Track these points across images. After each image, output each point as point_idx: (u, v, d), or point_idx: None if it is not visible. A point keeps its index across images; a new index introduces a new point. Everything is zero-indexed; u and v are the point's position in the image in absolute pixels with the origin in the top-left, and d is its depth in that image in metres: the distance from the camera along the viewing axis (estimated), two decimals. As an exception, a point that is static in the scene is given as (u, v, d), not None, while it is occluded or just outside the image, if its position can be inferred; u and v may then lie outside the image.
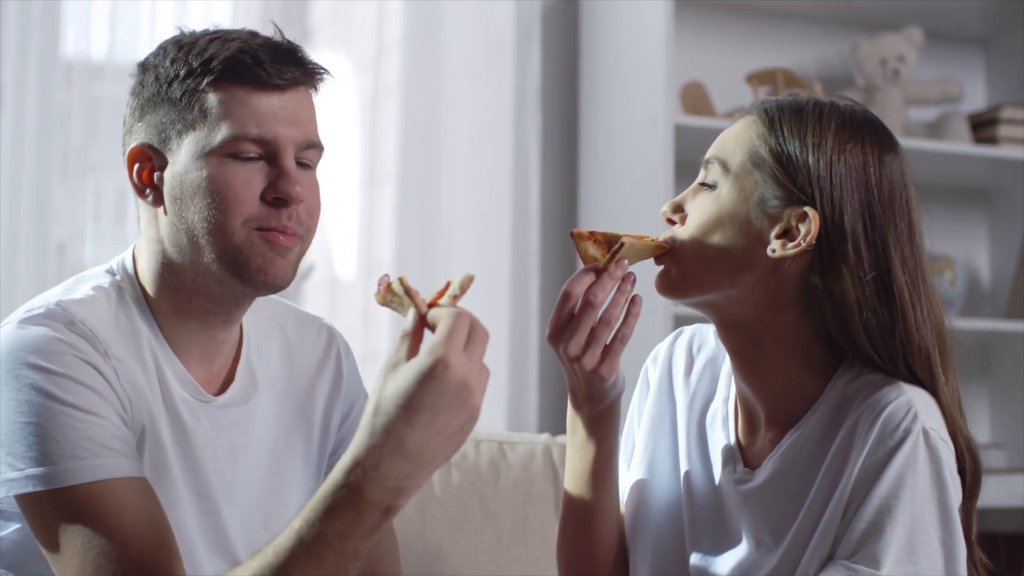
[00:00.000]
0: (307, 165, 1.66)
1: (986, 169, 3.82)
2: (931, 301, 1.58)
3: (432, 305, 1.38)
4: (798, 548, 1.54)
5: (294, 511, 1.45)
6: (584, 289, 1.58)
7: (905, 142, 3.57)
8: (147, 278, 1.67)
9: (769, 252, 1.56)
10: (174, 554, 1.52)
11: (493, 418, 3.34)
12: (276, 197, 1.61)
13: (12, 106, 3.08)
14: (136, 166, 1.65)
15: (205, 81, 1.60)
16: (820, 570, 1.51)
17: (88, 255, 3.20)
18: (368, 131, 3.55)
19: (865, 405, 1.52)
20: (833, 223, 1.54)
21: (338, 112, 3.50)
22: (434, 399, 1.32)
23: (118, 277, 1.68)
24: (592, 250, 1.61)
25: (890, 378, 1.54)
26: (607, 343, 1.60)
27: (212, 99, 1.60)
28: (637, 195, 3.31)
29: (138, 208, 1.69)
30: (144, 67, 1.67)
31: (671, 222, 1.65)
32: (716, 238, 1.59)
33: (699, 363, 1.76)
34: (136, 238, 1.72)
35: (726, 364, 1.71)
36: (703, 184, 1.63)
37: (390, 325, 3.40)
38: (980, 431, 3.87)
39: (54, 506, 1.50)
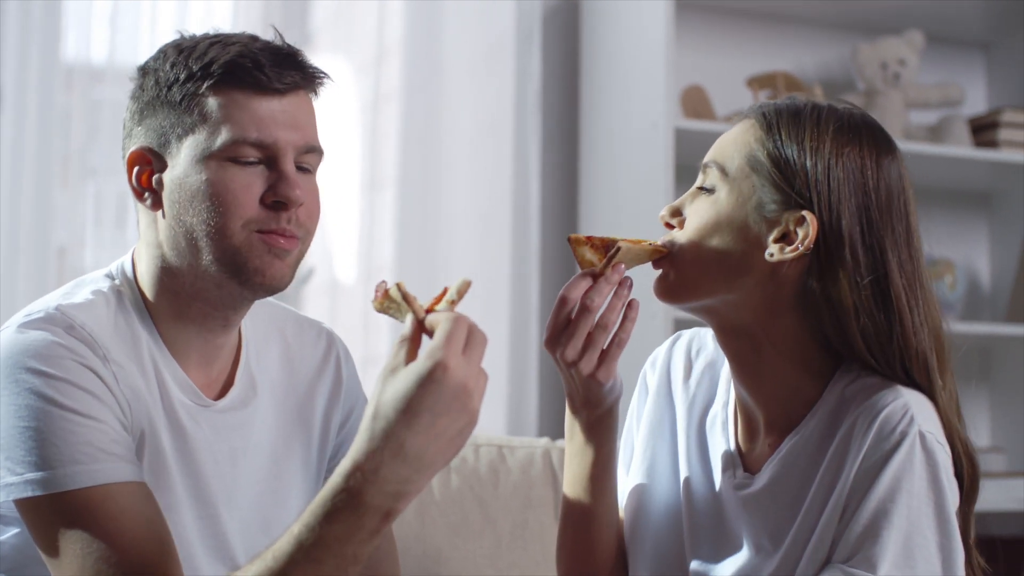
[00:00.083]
0: (307, 169, 1.66)
1: (986, 173, 3.82)
2: (928, 305, 1.57)
3: (430, 310, 1.38)
4: (796, 552, 1.54)
5: (293, 515, 1.45)
6: (581, 294, 1.58)
7: (906, 146, 3.58)
8: (146, 282, 1.67)
9: (767, 256, 1.56)
10: (173, 559, 1.52)
11: (493, 422, 3.34)
12: (275, 201, 1.61)
13: (12, 109, 3.08)
14: (135, 170, 1.65)
15: (205, 85, 1.60)
16: (817, 573, 1.51)
17: (88, 259, 3.20)
18: (368, 134, 3.55)
19: (862, 408, 1.52)
20: (831, 227, 1.54)
21: (339, 115, 3.50)
22: (433, 403, 1.32)
23: (117, 281, 1.69)
24: (589, 255, 1.61)
25: (887, 381, 1.54)
26: (604, 347, 1.60)
27: (212, 103, 1.60)
28: (637, 199, 3.31)
29: (137, 212, 1.69)
30: (144, 71, 1.67)
31: (669, 226, 1.65)
32: (714, 242, 1.59)
33: (698, 367, 1.76)
34: (136, 242, 1.72)
35: (725, 368, 1.71)
36: (701, 188, 1.63)
37: (390, 329, 3.40)
38: (980, 435, 3.86)
39: (53, 511, 1.50)
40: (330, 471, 1.77)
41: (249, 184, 1.60)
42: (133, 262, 1.70)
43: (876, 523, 1.47)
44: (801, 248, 1.54)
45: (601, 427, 1.69)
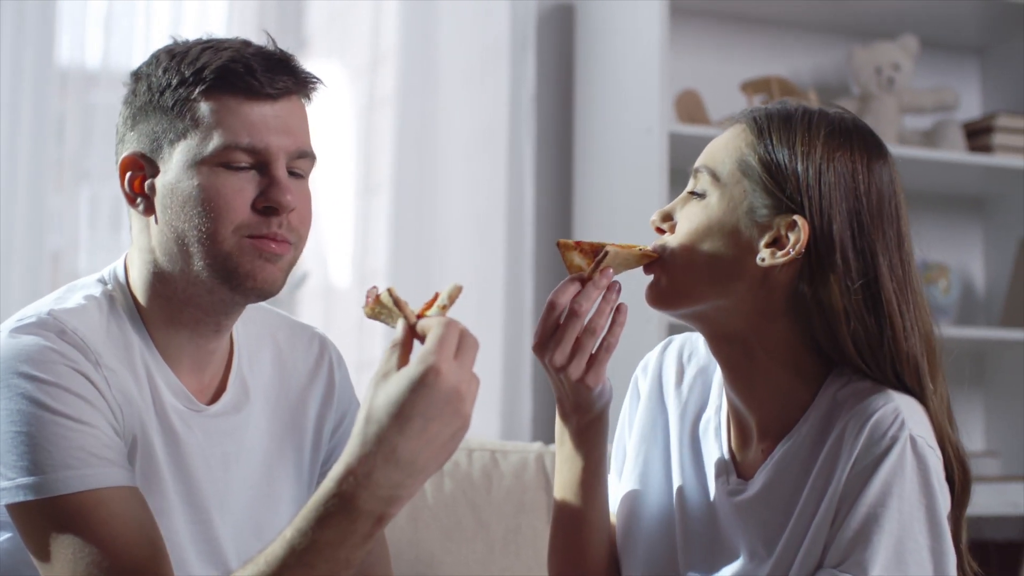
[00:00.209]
0: (299, 174, 1.66)
1: (981, 177, 3.82)
2: (919, 309, 1.57)
3: (421, 315, 1.39)
4: (789, 557, 1.54)
5: (286, 520, 1.45)
6: (569, 298, 1.58)
7: (900, 150, 3.58)
8: (138, 287, 1.67)
9: (759, 261, 1.56)
10: (165, 563, 1.52)
11: (486, 426, 3.34)
12: (267, 206, 1.61)
13: (6, 114, 3.08)
14: (128, 175, 1.65)
15: (197, 90, 1.60)
16: (809, 578, 1.51)
17: (82, 263, 3.20)
18: (363, 139, 3.56)
19: (853, 412, 1.52)
20: (822, 232, 1.54)
21: (333, 120, 3.50)
22: (425, 407, 1.32)
23: (109, 286, 1.68)
24: (578, 259, 1.61)
25: (878, 386, 1.54)
26: (593, 352, 1.60)
27: (204, 108, 1.60)
28: (632, 203, 3.31)
29: (130, 217, 1.69)
30: (137, 76, 1.67)
31: (660, 231, 1.65)
32: (706, 247, 1.59)
33: (690, 372, 1.76)
34: (129, 247, 1.72)
35: (717, 374, 1.71)
36: (692, 193, 1.63)
37: (384, 334, 3.40)
38: (974, 439, 3.87)
39: (45, 515, 1.50)
40: (323, 476, 1.76)
41: (241, 189, 1.60)
42: (125, 267, 1.70)
43: (867, 528, 1.47)
44: (792, 253, 1.54)
45: (591, 432, 1.68)
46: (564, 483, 1.72)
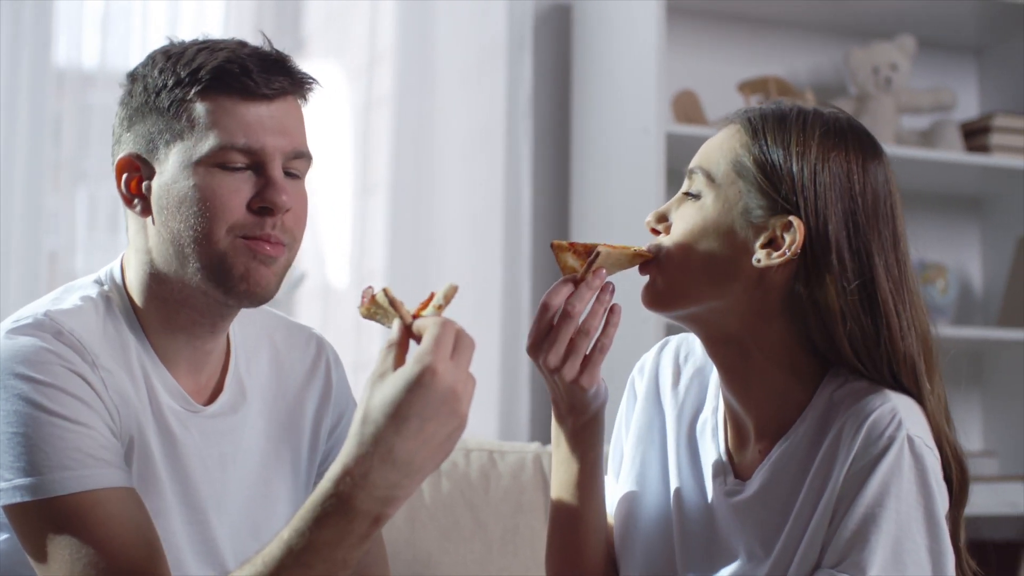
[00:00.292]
0: (295, 175, 1.66)
1: (978, 177, 3.82)
2: (916, 309, 1.57)
3: (417, 315, 1.39)
4: (787, 557, 1.54)
5: (283, 521, 1.45)
6: (562, 300, 1.58)
7: (897, 150, 3.59)
8: (135, 288, 1.67)
9: (754, 262, 1.55)
10: (162, 564, 1.52)
11: (484, 427, 3.34)
12: (262, 206, 1.60)
13: (4, 114, 3.08)
14: (124, 176, 1.65)
15: (193, 91, 1.60)
16: (806, 579, 1.51)
17: (80, 264, 3.20)
18: (360, 139, 3.56)
19: (850, 413, 1.52)
20: (817, 232, 1.54)
21: (331, 120, 3.51)
22: (422, 407, 1.32)
23: (106, 287, 1.68)
24: (571, 261, 1.61)
25: (875, 386, 1.54)
26: (587, 353, 1.60)
27: (200, 109, 1.60)
28: (629, 203, 3.31)
29: (126, 218, 1.69)
30: (133, 77, 1.67)
31: (655, 232, 1.64)
32: (701, 248, 1.58)
33: (686, 373, 1.76)
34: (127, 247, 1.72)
35: (714, 374, 1.71)
36: (687, 194, 1.63)
37: (382, 334, 3.40)
38: (972, 439, 3.87)
39: (42, 516, 1.50)
40: (320, 476, 1.76)
41: (236, 189, 1.60)
42: (122, 268, 1.70)
43: (865, 528, 1.46)
44: (788, 253, 1.54)
45: (587, 434, 1.68)
46: (560, 484, 1.72)
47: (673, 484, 1.70)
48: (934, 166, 3.63)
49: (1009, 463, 3.81)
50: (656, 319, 3.05)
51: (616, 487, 1.78)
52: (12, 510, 1.52)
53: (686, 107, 3.49)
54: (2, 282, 3.05)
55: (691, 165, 1.64)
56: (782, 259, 1.54)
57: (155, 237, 1.64)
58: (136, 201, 1.65)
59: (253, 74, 1.60)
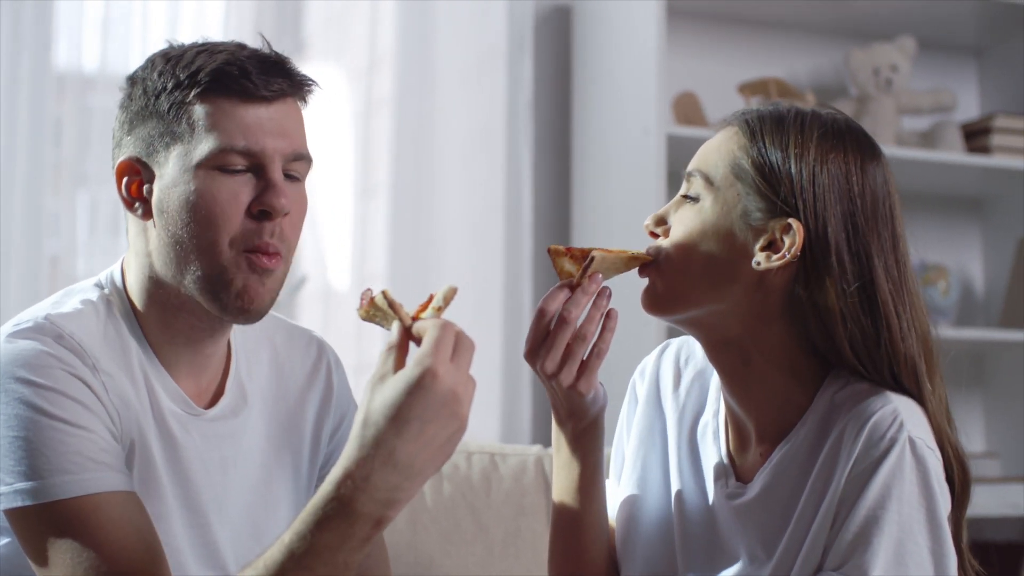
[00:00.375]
0: (295, 177, 1.66)
1: (979, 178, 3.82)
2: (916, 310, 1.57)
3: (416, 318, 1.39)
4: (789, 560, 1.54)
5: (284, 524, 1.45)
6: (558, 305, 1.58)
7: (898, 151, 3.58)
8: (135, 292, 1.67)
9: (754, 265, 1.55)
10: (163, 567, 1.52)
11: (486, 429, 3.34)
12: (261, 210, 1.60)
13: (4, 117, 3.08)
14: (124, 180, 1.65)
15: (192, 93, 1.59)
16: (808, 581, 1.51)
17: (81, 267, 3.20)
18: (361, 142, 3.56)
19: (851, 415, 1.51)
20: (817, 234, 1.54)
21: (331, 123, 3.50)
22: (423, 410, 1.32)
23: (106, 291, 1.68)
24: (568, 266, 1.61)
25: (877, 388, 1.53)
26: (584, 358, 1.60)
27: (199, 111, 1.60)
28: (629, 205, 3.31)
29: (127, 221, 1.69)
30: (133, 80, 1.67)
31: (654, 235, 1.64)
32: (700, 251, 1.58)
33: (687, 376, 1.76)
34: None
35: (715, 377, 1.71)
36: (686, 197, 1.62)
37: (383, 336, 3.35)
38: (974, 440, 3.87)
39: (43, 520, 1.50)
40: (321, 479, 1.76)
41: (236, 193, 1.60)
42: (122, 271, 1.70)
43: (867, 530, 1.46)
44: (788, 256, 1.53)
45: (587, 438, 1.68)
46: (562, 488, 1.72)
47: (674, 487, 1.70)
48: (935, 167, 3.63)
49: (1011, 464, 3.81)
50: (657, 322, 3.03)
51: (617, 490, 1.78)
52: (13, 514, 1.51)
53: (686, 108, 3.49)
54: (3, 285, 3.05)
55: (689, 168, 1.63)
56: (781, 262, 1.54)
57: (156, 241, 1.63)
58: (137, 205, 1.65)
59: (252, 76, 1.60)
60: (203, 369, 1.71)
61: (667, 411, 1.76)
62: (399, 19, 3.52)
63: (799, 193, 1.55)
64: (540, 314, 1.59)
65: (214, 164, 1.59)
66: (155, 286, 1.65)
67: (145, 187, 1.64)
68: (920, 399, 1.54)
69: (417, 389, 1.32)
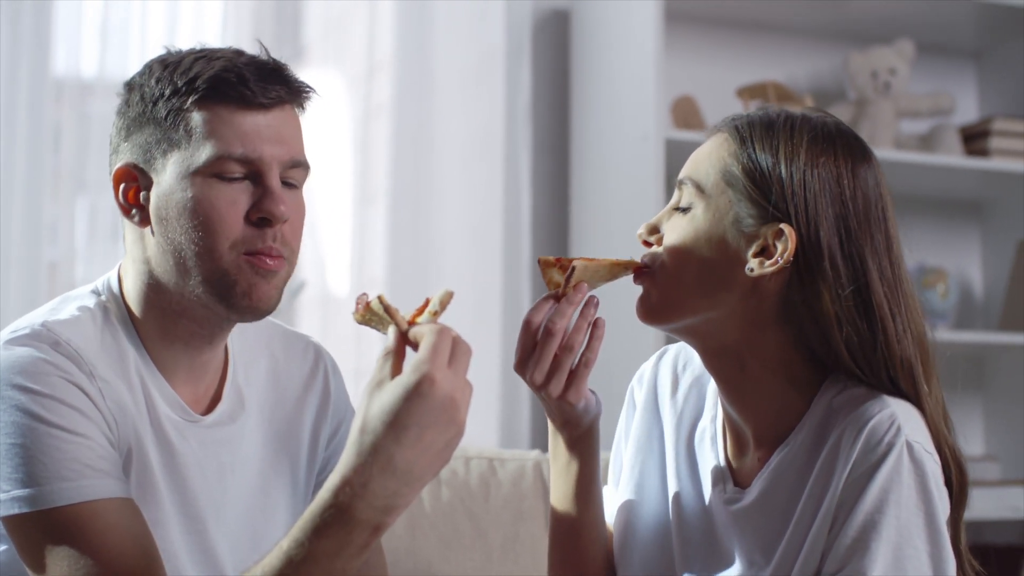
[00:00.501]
0: (292, 184, 1.66)
1: (978, 181, 3.82)
2: (911, 312, 1.57)
3: (412, 322, 1.39)
4: (787, 565, 1.54)
5: (282, 530, 1.45)
6: (544, 316, 1.58)
7: (897, 155, 3.58)
8: (133, 298, 1.67)
9: (748, 271, 1.55)
10: (161, 574, 1.52)
11: (484, 435, 3.34)
12: (260, 217, 1.60)
13: (2, 123, 3.08)
14: (122, 186, 1.65)
15: (190, 100, 1.59)
16: (807, 586, 1.50)
17: (79, 273, 3.19)
18: (360, 147, 3.56)
19: (849, 419, 1.51)
20: (809, 239, 1.53)
21: (330, 128, 3.51)
22: (421, 416, 1.32)
23: (103, 297, 1.68)
24: (557, 276, 1.60)
25: (874, 391, 1.53)
26: (572, 368, 1.60)
27: (197, 118, 1.60)
28: (628, 209, 3.31)
29: (124, 228, 1.69)
30: (130, 86, 1.67)
31: (647, 244, 1.64)
32: (694, 260, 1.58)
33: (685, 382, 1.76)
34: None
35: (712, 382, 1.71)
36: (677, 207, 1.62)
37: (382, 341, 3.37)
38: (974, 443, 3.87)
39: (40, 528, 1.50)
40: (318, 485, 1.76)
41: (234, 200, 1.60)
42: (119, 278, 1.70)
43: (865, 535, 1.46)
44: (781, 261, 1.53)
45: (582, 446, 1.69)
46: (559, 495, 1.72)
47: (672, 492, 1.70)
48: (933, 170, 3.63)
49: (1010, 467, 3.80)
50: (654, 329, 3.04)
51: (615, 496, 1.78)
52: (10, 521, 1.51)
53: (685, 112, 3.49)
54: (1, 292, 3.05)
55: (680, 176, 1.63)
56: (775, 267, 1.53)
57: (154, 247, 1.63)
58: (134, 211, 1.65)
59: (250, 83, 1.60)
60: (200, 375, 1.71)
61: (665, 417, 1.75)
62: (397, 25, 3.53)
63: (790, 198, 1.54)
64: (526, 325, 1.59)
65: (212, 171, 1.59)
66: (154, 292, 1.65)
67: (142, 194, 1.64)
68: (917, 401, 1.54)
69: (415, 395, 1.31)
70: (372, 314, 1.42)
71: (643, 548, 1.71)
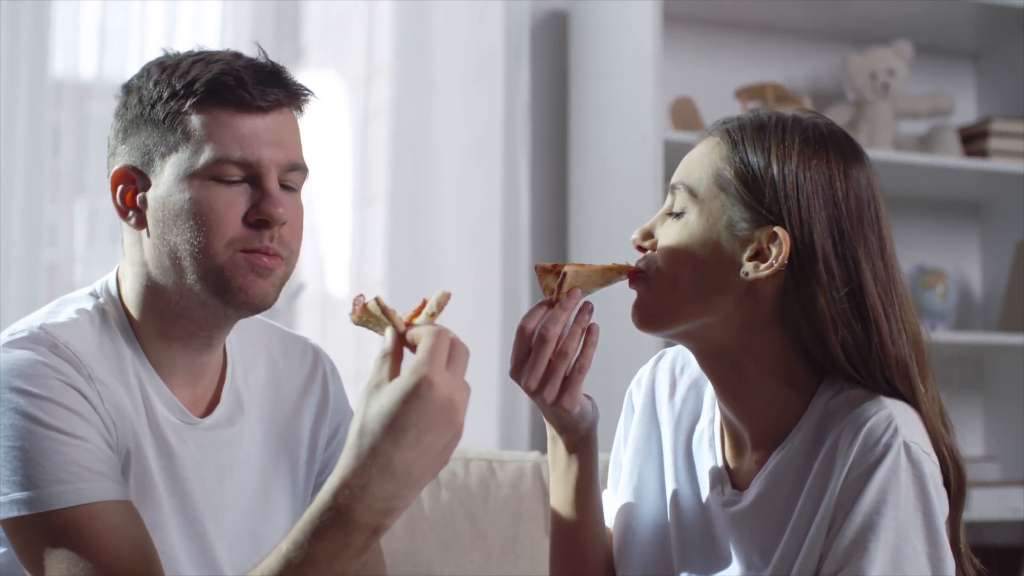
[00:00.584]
0: (291, 187, 1.66)
1: (977, 182, 3.82)
2: (905, 311, 1.57)
3: (409, 324, 1.39)
4: (785, 567, 1.54)
5: (281, 532, 1.45)
6: (537, 323, 1.58)
7: (895, 156, 3.57)
8: (131, 300, 1.67)
9: (742, 275, 1.55)
10: (160, 577, 1.52)
11: (484, 436, 3.34)
12: (258, 219, 1.60)
13: (2, 126, 3.08)
14: (119, 188, 1.65)
15: (188, 103, 1.59)
16: (806, 587, 1.50)
17: (79, 276, 3.20)
18: (359, 150, 3.56)
19: (846, 421, 1.51)
20: (803, 241, 1.53)
21: (329, 131, 3.51)
22: (419, 418, 1.32)
23: (101, 300, 1.68)
24: (552, 282, 1.60)
25: (871, 393, 1.53)
26: (567, 374, 1.60)
27: (195, 121, 1.60)
28: (627, 211, 3.31)
29: (122, 230, 1.69)
30: (128, 89, 1.67)
31: (642, 249, 1.64)
32: (688, 265, 1.57)
33: (682, 385, 1.76)
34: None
35: (710, 385, 1.71)
36: (670, 212, 1.62)
37: (381, 343, 3.39)
38: (973, 444, 3.87)
39: (39, 530, 1.50)
40: (317, 487, 1.76)
41: (232, 203, 1.60)
42: (117, 280, 1.70)
43: (863, 536, 1.46)
44: (776, 264, 1.53)
45: (580, 450, 1.69)
46: (559, 499, 1.72)
47: (670, 494, 1.70)
48: (932, 171, 3.63)
49: (1010, 468, 3.80)
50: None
51: (615, 499, 1.78)
52: (9, 524, 1.51)
53: (683, 114, 3.49)
54: (1, 294, 3.05)
55: (673, 181, 1.63)
56: (770, 270, 1.53)
57: (151, 249, 1.63)
58: (131, 213, 1.65)
59: (248, 86, 1.60)
60: (199, 377, 1.71)
61: (663, 420, 1.75)
62: (397, 28, 3.53)
63: (783, 201, 1.54)
64: (520, 332, 1.59)
65: (210, 174, 1.59)
66: (152, 294, 1.65)
67: (140, 196, 1.64)
68: (914, 401, 1.54)
69: (413, 397, 1.31)
70: (369, 315, 1.42)
71: (642, 550, 1.71)
